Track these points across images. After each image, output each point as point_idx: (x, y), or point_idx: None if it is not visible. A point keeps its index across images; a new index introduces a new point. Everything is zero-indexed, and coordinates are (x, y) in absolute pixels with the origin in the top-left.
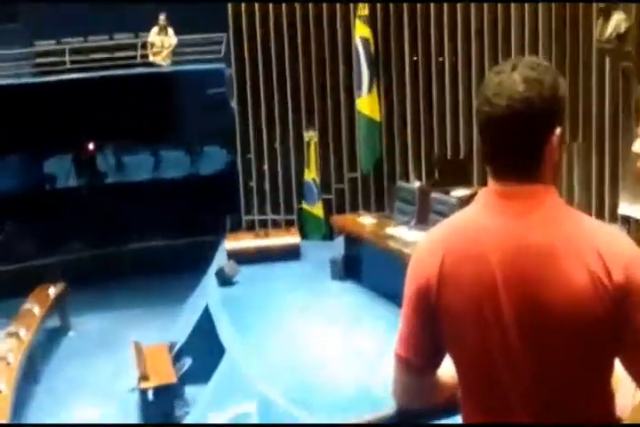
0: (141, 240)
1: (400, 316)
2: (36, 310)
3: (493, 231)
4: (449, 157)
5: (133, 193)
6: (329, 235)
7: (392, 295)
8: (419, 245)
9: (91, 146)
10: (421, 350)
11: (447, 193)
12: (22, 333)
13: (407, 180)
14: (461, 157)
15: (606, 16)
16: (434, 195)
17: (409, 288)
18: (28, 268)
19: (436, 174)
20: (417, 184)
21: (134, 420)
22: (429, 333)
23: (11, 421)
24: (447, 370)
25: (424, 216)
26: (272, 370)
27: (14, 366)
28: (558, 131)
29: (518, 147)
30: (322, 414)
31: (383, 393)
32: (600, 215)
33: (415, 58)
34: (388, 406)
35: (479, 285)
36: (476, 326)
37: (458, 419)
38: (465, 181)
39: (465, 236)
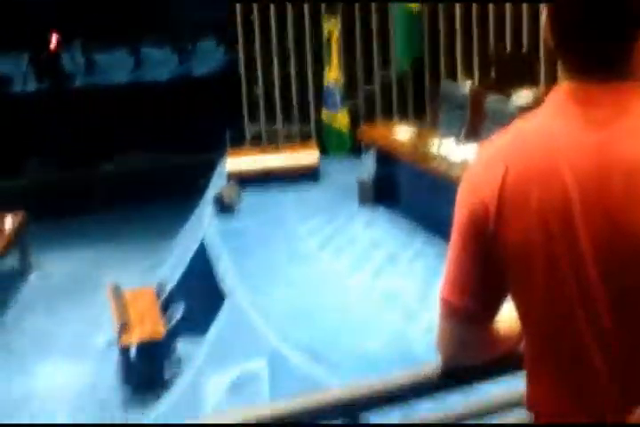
0: (119, 159)
1: (447, 250)
2: None
3: (569, 143)
4: (508, 51)
5: (108, 100)
6: (356, 151)
7: (434, 226)
8: (474, 157)
9: (54, 40)
10: (475, 292)
11: (506, 97)
12: None
13: (455, 80)
14: (524, 50)
15: None
16: (489, 99)
17: (459, 214)
18: None
19: (493, 73)
20: (467, 85)
21: (112, 383)
22: (485, 271)
23: None
24: (507, 317)
25: (476, 128)
26: (284, 319)
27: None
28: None
29: (606, 29)
30: (346, 372)
31: (422, 346)
32: None
33: None
34: (429, 363)
35: (550, 210)
36: (545, 263)
37: (519, 379)
38: (529, 81)
39: (533, 148)
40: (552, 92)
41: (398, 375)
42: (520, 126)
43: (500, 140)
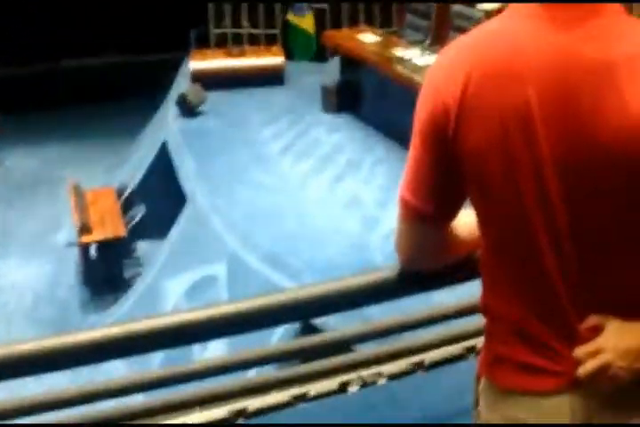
0: (80, 56)
1: (409, 152)
2: None
3: (534, 44)
4: None
5: None
6: (321, 55)
7: (397, 134)
8: (436, 59)
9: None
10: (434, 194)
11: (472, 4)
12: None
13: None
14: None
15: None
16: (455, 7)
17: (420, 115)
18: None
19: None
20: None
21: (72, 282)
22: (444, 173)
23: None
24: (465, 222)
25: (442, 34)
26: (244, 223)
27: None
28: None
29: None
30: (304, 276)
31: (381, 254)
32: None
33: None
34: (387, 265)
35: (510, 112)
36: (503, 166)
37: (474, 285)
38: None
39: (497, 50)
40: None
41: (356, 278)
42: (484, 29)
43: (463, 43)
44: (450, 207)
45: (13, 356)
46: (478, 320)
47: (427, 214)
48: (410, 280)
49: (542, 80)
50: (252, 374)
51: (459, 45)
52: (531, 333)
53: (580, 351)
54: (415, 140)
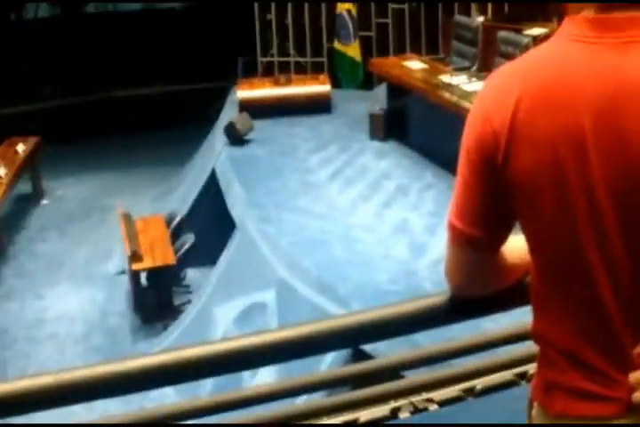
0: (131, 86)
1: (456, 177)
2: (2, 171)
3: (585, 68)
4: None
5: (121, 26)
6: (367, 83)
7: (445, 160)
8: (484, 84)
9: None
10: (483, 219)
11: (519, 31)
12: None
13: (468, 13)
14: None
15: None
16: (501, 33)
17: (468, 141)
18: None
19: (506, 6)
20: (480, 19)
21: (123, 309)
22: (493, 199)
23: None
24: (515, 247)
25: (489, 60)
26: (293, 249)
27: None
28: None
29: None
30: (353, 302)
31: (430, 280)
32: None
33: None
34: (437, 292)
35: (562, 136)
36: (555, 191)
37: (525, 310)
38: (542, 14)
39: (547, 74)
40: (566, 21)
41: (406, 304)
42: (533, 53)
43: (513, 68)
44: (499, 233)
45: (65, 383)
46: (529, 346)
47: (476, 240)
48: (460, 307)
49: (596, 105)
50: (302, 401)
51: (507, 70)
52: (584, 358)
53: (634, 377)
54: (462, 166)
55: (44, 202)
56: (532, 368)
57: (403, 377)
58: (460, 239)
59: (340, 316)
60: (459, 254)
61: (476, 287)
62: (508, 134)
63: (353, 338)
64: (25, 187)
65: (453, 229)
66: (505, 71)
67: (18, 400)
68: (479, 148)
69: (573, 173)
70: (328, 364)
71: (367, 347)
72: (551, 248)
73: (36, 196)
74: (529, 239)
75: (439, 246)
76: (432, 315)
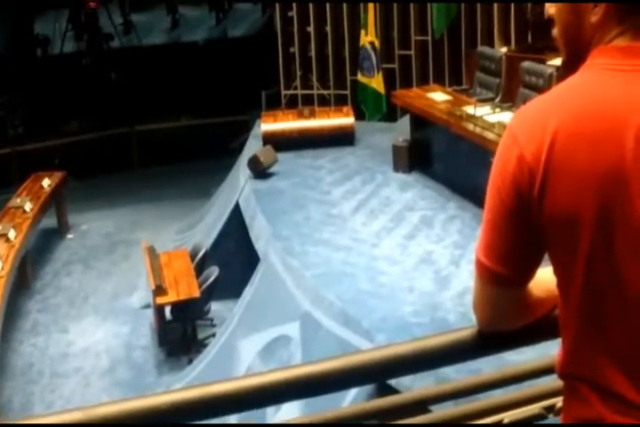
0: (155, 120)
1: (482, 215)
2: (28, 205)
3: (624, 96)
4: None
5: (145, 60)
6: (391, 114)
7: (469, 191)
8: (515, 117)
9: (92, 1)
10: (512, 257)
11: (542, 61)
12: (11, 234)
13: (491, 44)
14: None
15: None
16: (525, 63)
17: (499, 178)
18: (16, 153)
19: (529, 37)
20: (503, 50)
21: (147, 343)
22: (524, 237)
23: (0, 341)
24: (543, 281)
25: (512, 91)
26: (317, 282)
27: (3, 274)
28: None
29: None
30: (377, 335)
31: (454, 310)
32: None
33: None
34: (463, 327)
35: (603, 172)
36: (595, 226)
37: (554, 345)
38: None
39: (586, 106)
40: (597, 51)
41: (433, 339)
42: (564, 86)
43: (544, 101)
44: (527, 270)
45: (93, 419)
46: (555, 378)
47: (504, 277)
48: (487, 341)
49: (636, 135)
50: None
51: (539, 104)
52: (615, 392)
53: None
54: (492, 204)
55: (70, 236)
56: (559, 401)
57: (429, 411)
58: (488, 276)
59: (365, 351)
60: (487, 290)
61: (504, 322)
62: (544, 169)
63: (379, 373)
64: (50, 221)
65: (481, 266)
66: (536, 105)
67: None
68: (512, 185)
69: (615, 207)
70: (353, 396)
71: (392, 380)
72: (588, 282)
73: (61, 230)
74: (561, 274)
75: (463, 278)
76: (460, 349)
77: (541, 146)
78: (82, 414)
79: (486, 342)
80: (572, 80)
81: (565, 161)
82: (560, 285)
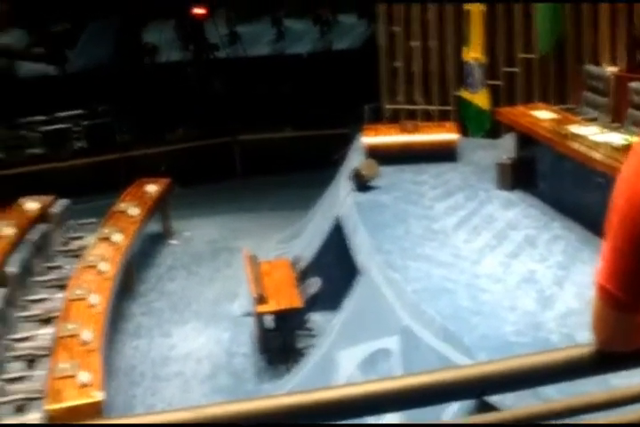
0: (258, 130)
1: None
2: (133, 210)
3: None
4: None
5: (249, 71)
6: (495, 131)
7: (574, 211)
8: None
9: (199, 11)
10: (631, 284)
11: None
12: (117, 237)
13: (598, 63)
14: None
15: None
16: (634, 84)
17: (621, 204)
18: (122, 159)
19: (638, 55)
20: (611, 69)
21: (247, 350)
22: None
23: (105, 342)
24: None
25: (621, 112)
26: (418, 297)
27: (109, 277)
28: None
29: None
30: (478, 353)
31: (557, 331)
32: None
33: None
34: (576, 345)
35: None
36: None
37: None
38: None
39: None
40: None
41: (540, 356)
42: None
43: None
44: None
45: (204, 419)
46: None
47: (626, 303)
48: (605, 360)
49: None
50: None
51: None
52: None
53: None
54: (615, 231)
55: (173, 242)
56: None
57: None
58: (610, 302)
59: (472, 365)
60: (607, 314)
61: (623, 344)
62: None
63: (481, 389)
64: (155, 227)
65: (604, 292)
66: None
67: None
68: (635, 212)
69: None
70: (453, 411)
71: (493, 398)
72: None
73: (165, 235)
74: None
75: (567, 299)
76: (569, 367)
77: None
78: (191, 413)
79: (604, 360)
80: None
81: None
82: None
